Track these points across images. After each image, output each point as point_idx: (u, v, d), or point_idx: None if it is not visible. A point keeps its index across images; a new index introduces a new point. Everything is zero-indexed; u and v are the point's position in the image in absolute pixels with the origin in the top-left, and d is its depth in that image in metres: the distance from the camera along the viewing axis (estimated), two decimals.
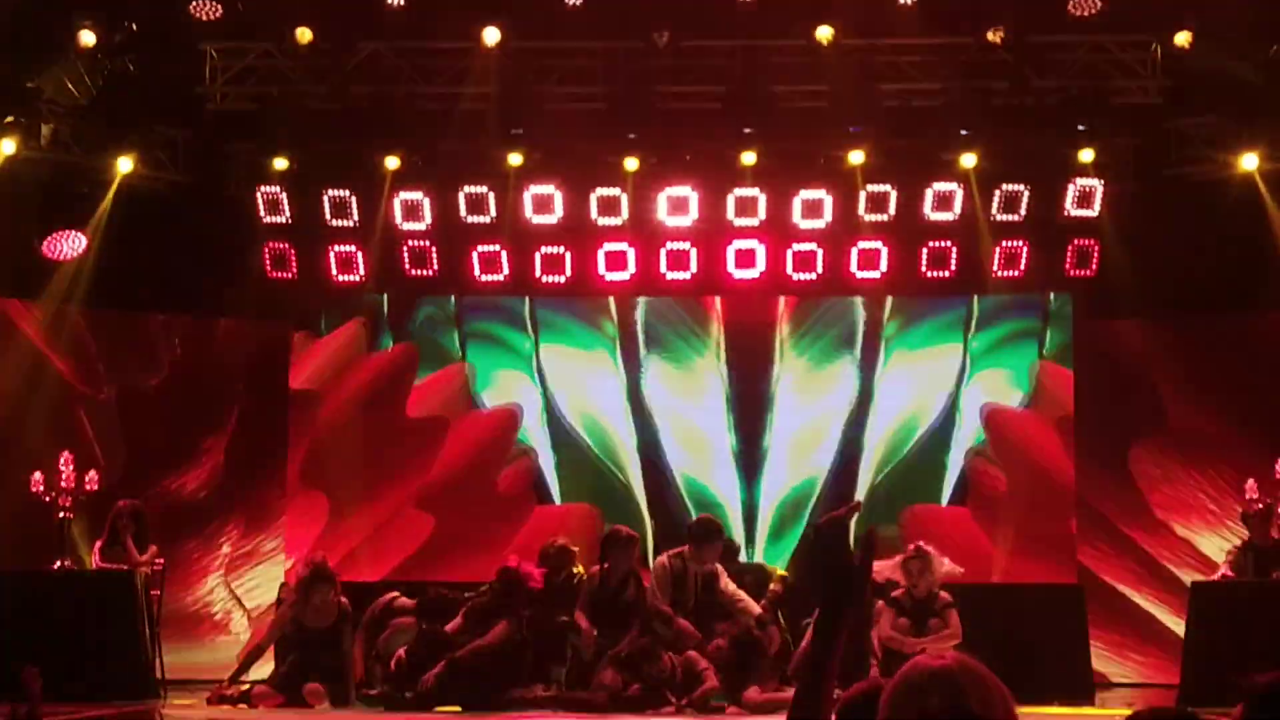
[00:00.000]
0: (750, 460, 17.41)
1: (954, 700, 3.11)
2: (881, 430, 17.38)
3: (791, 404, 17.47)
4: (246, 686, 14.12)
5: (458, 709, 13.43)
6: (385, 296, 17.72)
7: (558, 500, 17.48)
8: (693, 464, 17.44)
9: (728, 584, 14.17)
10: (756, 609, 14.04)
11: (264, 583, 17.33)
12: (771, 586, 14.64)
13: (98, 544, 15.27)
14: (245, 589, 17.43)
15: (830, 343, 17.54)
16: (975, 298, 17.45)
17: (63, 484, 14.65)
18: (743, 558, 16.56)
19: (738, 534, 17.04)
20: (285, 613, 14.57)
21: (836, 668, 3.39)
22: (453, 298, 17.73)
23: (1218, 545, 16.12)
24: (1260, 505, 14.74)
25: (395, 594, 14.90)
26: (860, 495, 17.03)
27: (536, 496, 17.48)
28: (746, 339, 17.58)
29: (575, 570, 14.60)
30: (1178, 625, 15.58)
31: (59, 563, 14.81)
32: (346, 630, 14.35)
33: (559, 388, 17.61)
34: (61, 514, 14.74)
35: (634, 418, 17.48)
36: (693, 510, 16.91)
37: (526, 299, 17.59)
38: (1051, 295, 17.37)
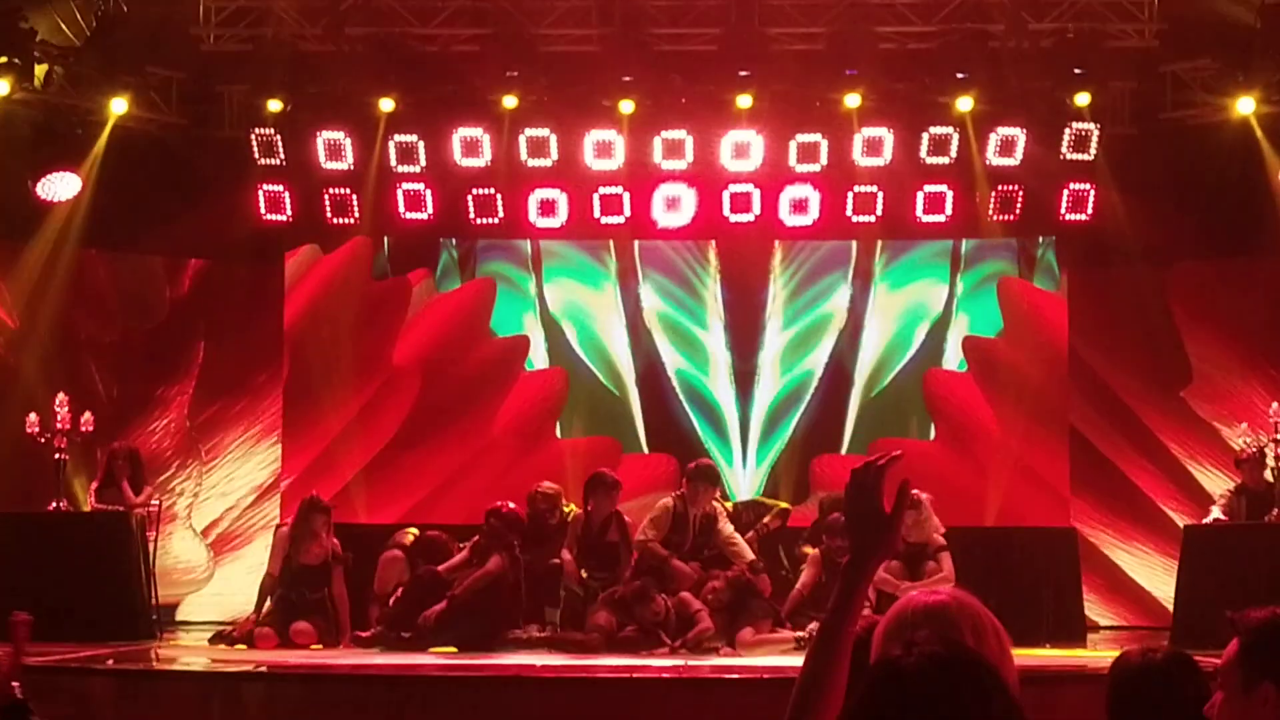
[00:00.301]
0: (745, 375, 17.58)
1: (946, 633, 3.13)
2: (871, 353, 17.54)
3: (784, 319, 17.60)
4: (250, 629, 14.19)
5: (454, 649, 13.51)
6: (386, 240, 17.76)
7: (558, 433, 17.61)
8: (692, 370, 17.60)
9: (725, 526, 14.27)
10: (750, 554, 14.14)
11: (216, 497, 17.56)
12: (766, 520, 14.69)
13: (93, 486, 15.32)
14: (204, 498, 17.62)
15: (823, 264, 17.65)
16: (963, 240, 17.57)
17: (58, 425, 14.66)
18: (737, 469, 17.01)
19: (734, 441, 17.36)
20: (283, 542, 14.62)
21: (859, 612, 3.41)
22: (454, 240, 17.78)
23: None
24: (1254, 449, 14.78)
25: (408, 530, 14.93)
26: (851, 414, 17.21)
27: (548, 430, 17.63)
28: (742, 267, 17.68)
29: (565, 510, 14.69)
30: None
31: (55, 504, 14.84)
32: (336, 571, 14.40)
33: (563, 317, 17.73)
34: (57, 455, 14.75)
35: (632, 336, 17.65)
36: (692, 414, 17.21)
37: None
38: (1040, 239, 17.45)
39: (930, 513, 14.09)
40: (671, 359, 17.62)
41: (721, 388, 17.59)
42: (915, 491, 13.71)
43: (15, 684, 6.50)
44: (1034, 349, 17.32)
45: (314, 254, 17.76)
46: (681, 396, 17.55)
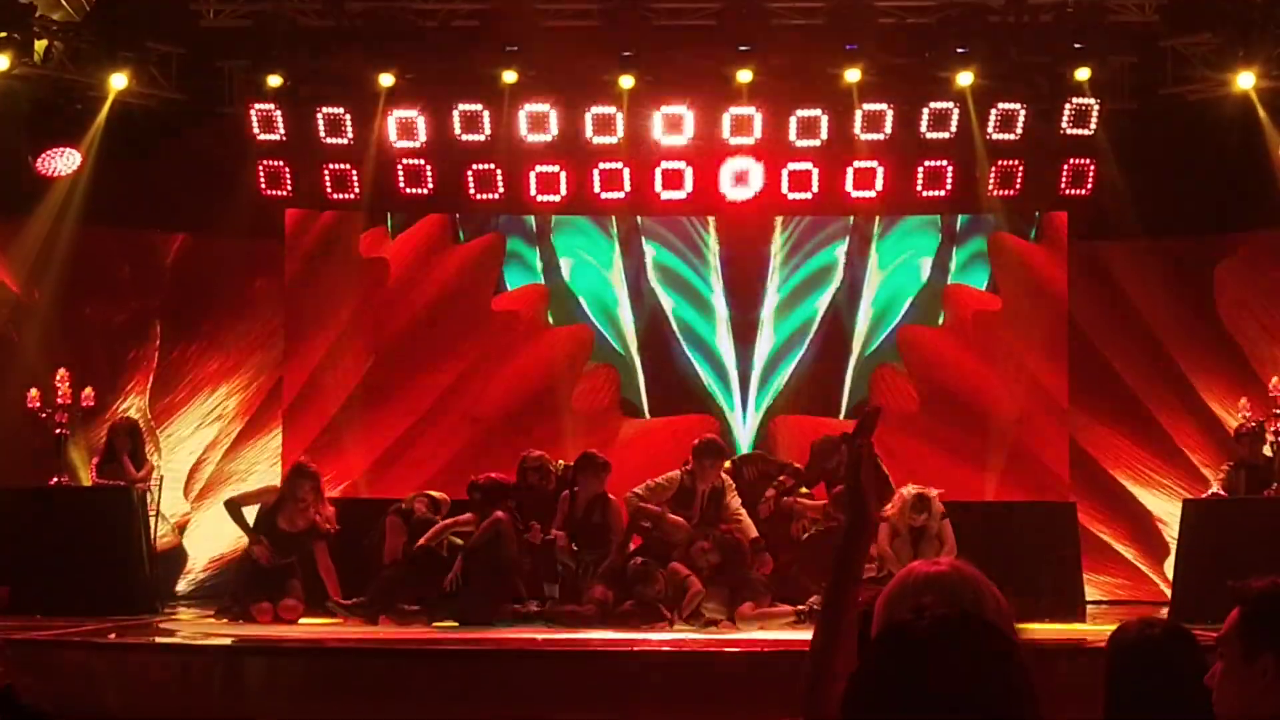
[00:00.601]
0: (745, 328, 17.69)
1: (949, 599, 3.15)
2: (865, 316, 17.68)
3: (782, 277, 17.71)
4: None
5: (454, 624, 13.55)
6: (390, 217, 17.81)
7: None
8: (694, 317, 17.74)
9: (732, 501, 14.20)
10: (754, 532, 14.06)
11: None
12: (782, 477, 14.63)
13: (94, 461, 15.33)
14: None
15: (821, 222, 17.79)
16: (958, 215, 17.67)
17: (59, 400, 14.67)
18: (738, 417, 17.26)
19: (734, 390, 17.54)
20: (268, 494, 14.53)
21: (860, 577, 3.43)
22: (456, 216, 17.82)
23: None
24: (1253, 423, 14.79)
25: (426, 494, 14.86)
26: (849, 375, 17.31)
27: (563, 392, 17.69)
28: (742, 238, 17.79)
29: (556, 470, 14.63)
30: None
31: (56, 479, 14.86)
32: (318, 546, 14.31)
33: (569, 279, 17.89)
34: (58, 430, 14.77)
35: (634, 297, 17.76)
36: (696, 361, 17.53)
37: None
38: (1036, 213, 17.50)
39: (936, 507, 14.14)
40: (671, 306, 17.72)
41: (722, 339, 17.68)
42: (922, 491, 13.77)
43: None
44: (1030, 306, 17.39)
45: (312, 219, 17.79)
46: (683, 342, 17.64)
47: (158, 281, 17.56)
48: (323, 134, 16.83)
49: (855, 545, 3.44)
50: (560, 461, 14.81)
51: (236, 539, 15.10)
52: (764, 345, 17.66)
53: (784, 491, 14.49)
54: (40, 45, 15.80)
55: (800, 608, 13.45)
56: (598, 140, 16.73)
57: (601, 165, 16.89)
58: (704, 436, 14.91)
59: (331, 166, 16.99)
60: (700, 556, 13.83)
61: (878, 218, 17.64)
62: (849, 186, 16.88)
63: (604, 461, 14.40)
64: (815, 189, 16.89)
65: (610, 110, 16.61)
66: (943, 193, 16.93)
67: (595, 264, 17.83)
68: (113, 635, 12.36)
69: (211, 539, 17.07)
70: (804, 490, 14.63)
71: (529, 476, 14.53)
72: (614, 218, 17.74)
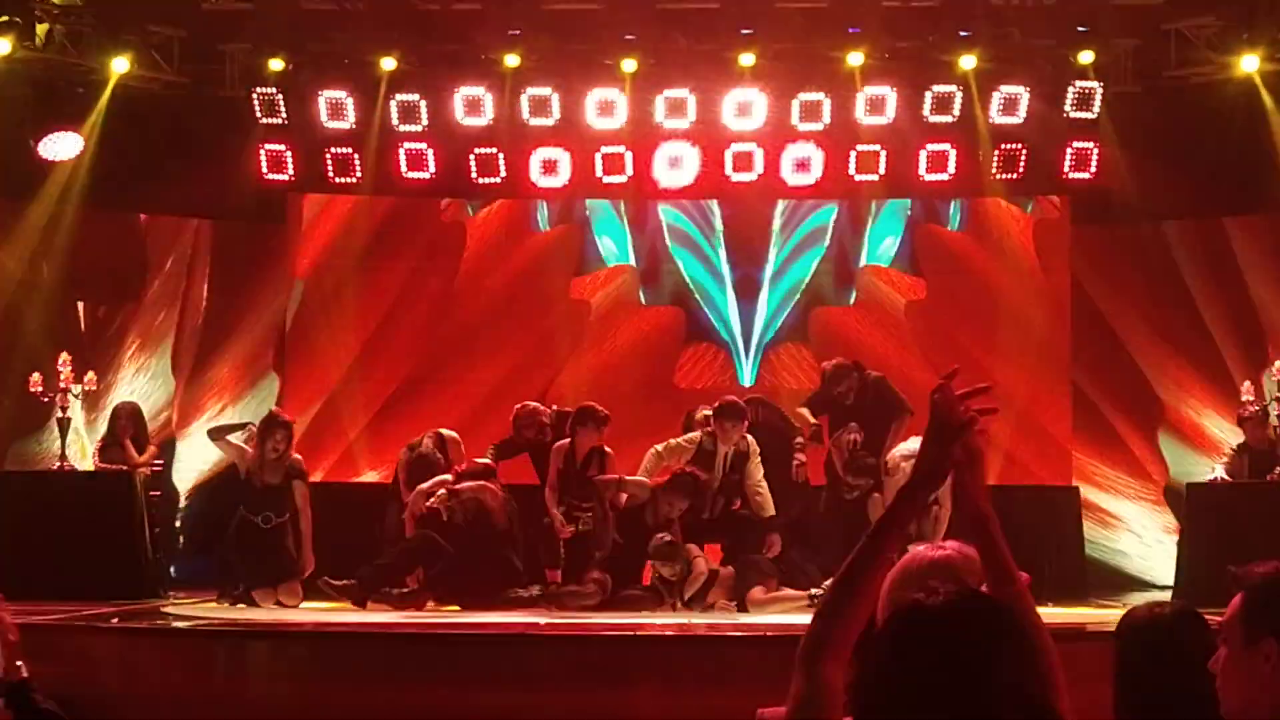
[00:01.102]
0: (747, 289, 17.74)
1: (954, 583, 3.16)
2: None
3: (779, 244, 17.76)
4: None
5: (456, 608, 13.56)
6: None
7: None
8: (704, 277, 17.82)
9: (756, 470, 13.98)
10: (770, 509, 13.86)
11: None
12: (798, 439, 14.48)
13: (97, 445, 15.32)
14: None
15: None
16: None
17: (61, 384, 14.64)
18: (743, 381, 17.33)
19: (739, 347, 17.67)
20: (240, 451, 14.36)
21: (904, 527, 3.42)
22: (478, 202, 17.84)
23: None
24: (1256, 407, 14.77)
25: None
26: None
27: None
28: (746, 221, 17.82)
29: (547, 419, 14.58)
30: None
31: (58, 463, 14.85)
32: (299, 490, 14.16)
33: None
34: (61, 414, 14.75)
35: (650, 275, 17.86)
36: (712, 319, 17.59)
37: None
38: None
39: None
40: (685, 266, 17.79)
41: (729, 300, 17.75)
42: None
43: (19, 662, 6.30)
44: (1030, 292, 17.39)
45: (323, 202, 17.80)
46: (702, 306, 17.70)
47: (158, 267, 17.53)
48: (324, 118, 16.82)
49: (910, 499, 3.43)
50: (554, 407, 14.74)
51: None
52: (763, 305, 17.66)
53: (802, 449, 14.40)
54: (42, 29, 15.77)
55: (815, 590, 13.27)
56: (600, 124, 16.72)
57: (604, 149, 16.88)
58: (725, 398, 14.61)
59: (333, 150, 16.98)
60: (669, 506, 13.70)
61: (873, 202, 17.61)
62: (852, 170, 16.86)
63: (604, 414, 14.18)
64: (818, 173, 16.89)
65: (613, 94, 16.59)
66: (946, 176, 16.91)
67: (615, 245, 17.89)
68: (115, 620, 12.35)
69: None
70: (804, 412, 14.58)
71: (524, 432, 14.50)
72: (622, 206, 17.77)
